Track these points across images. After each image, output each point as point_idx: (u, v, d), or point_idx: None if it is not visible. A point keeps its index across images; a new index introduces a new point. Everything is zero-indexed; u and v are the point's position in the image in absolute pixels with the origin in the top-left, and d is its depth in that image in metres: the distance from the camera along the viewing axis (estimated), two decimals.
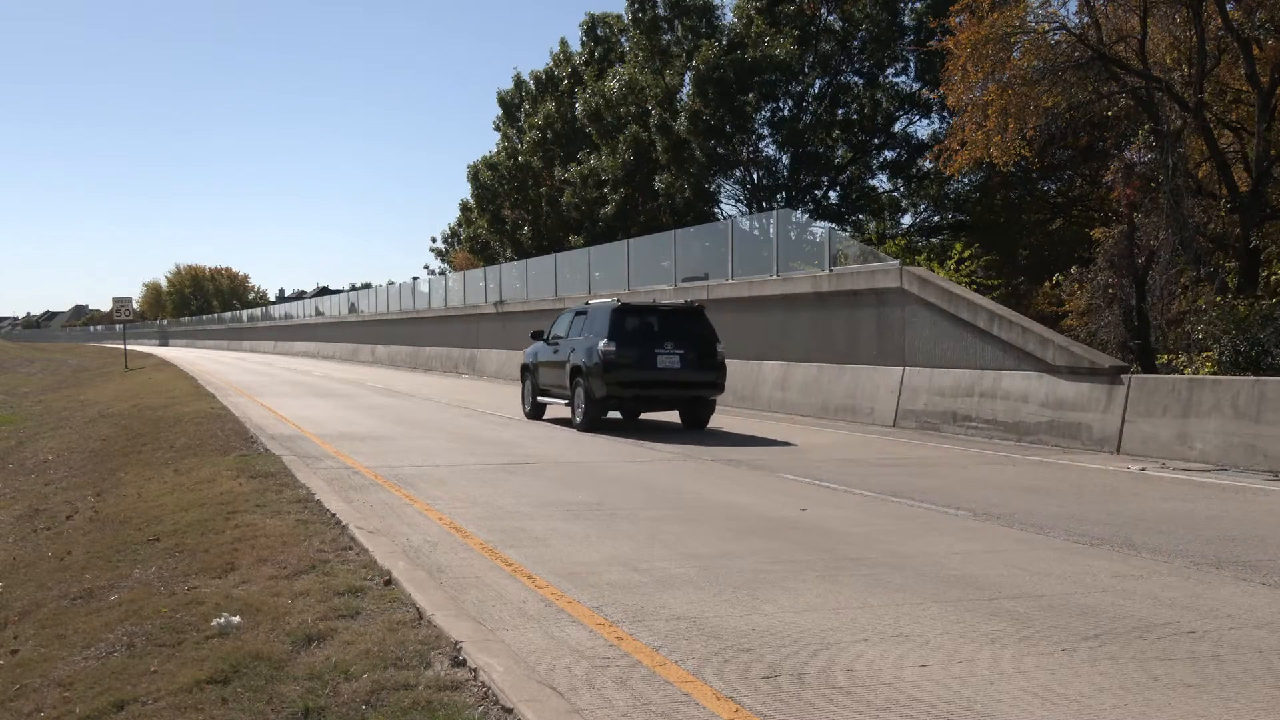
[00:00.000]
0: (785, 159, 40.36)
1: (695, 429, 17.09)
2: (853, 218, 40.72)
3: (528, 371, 19.34)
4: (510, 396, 25.74)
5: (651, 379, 16.42)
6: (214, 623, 5.63)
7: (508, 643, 5.26)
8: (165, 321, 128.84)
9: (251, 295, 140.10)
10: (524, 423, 18.25)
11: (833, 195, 40.94)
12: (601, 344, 16.28)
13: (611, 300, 17.79)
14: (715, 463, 12.83)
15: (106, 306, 73.52)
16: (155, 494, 10.77)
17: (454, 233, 66.09)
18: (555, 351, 18.08)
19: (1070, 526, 8.58)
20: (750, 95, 37.09)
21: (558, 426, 17.36)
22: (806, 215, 37.61)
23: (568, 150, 46.52)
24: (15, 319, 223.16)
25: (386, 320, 52.17)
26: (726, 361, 17.09)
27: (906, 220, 41.07)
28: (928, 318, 17.53)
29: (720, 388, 17.01)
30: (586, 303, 18.64)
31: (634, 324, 16.68)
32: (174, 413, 20.03)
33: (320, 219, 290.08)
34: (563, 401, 17.59)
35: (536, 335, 19.71)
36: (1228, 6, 19.73)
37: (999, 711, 4.37)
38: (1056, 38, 20.81)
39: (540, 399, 18.82)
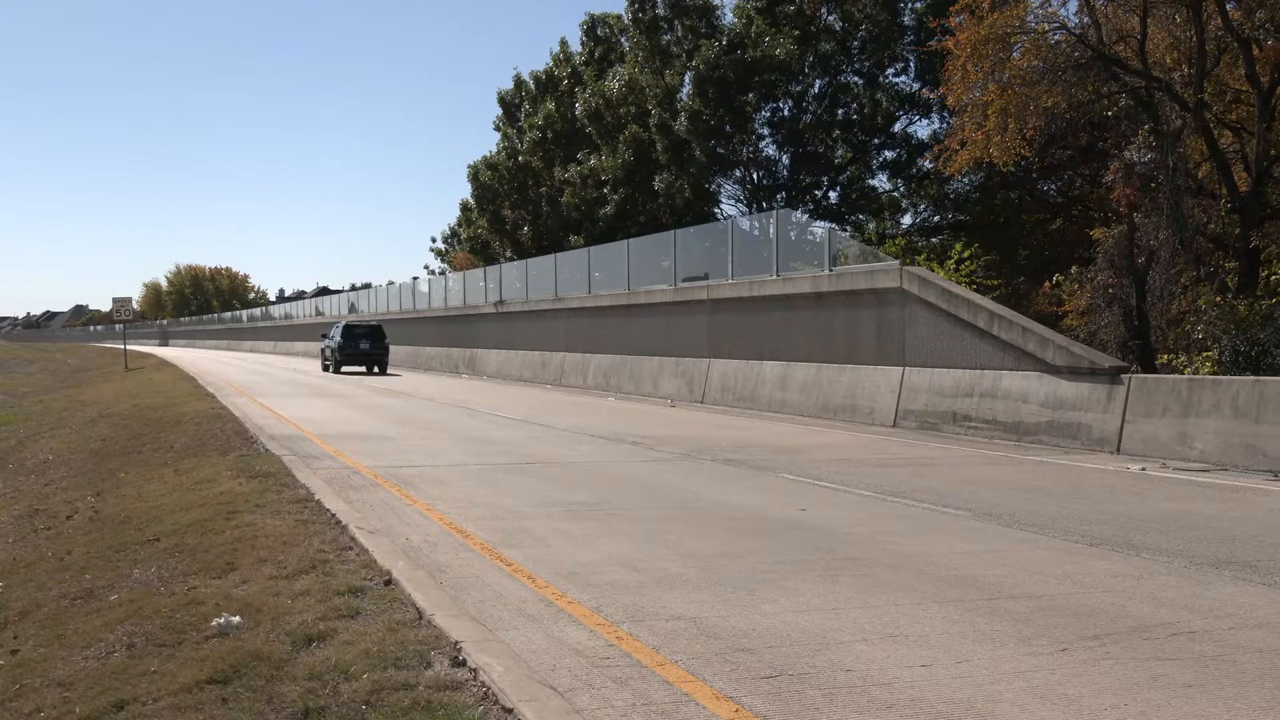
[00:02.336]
0: (785, 159, 40.37)
1: (380, 374, 37.06)
2: (853, 218, 40.73)
3: (322, 352, 41.22)
4: (513, 397, 25.79)
5: (356, 352, 37.72)
6: (214, 623, 5.63)
7: (508, 643, 5.26)
8: (165, 321, 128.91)
9: (251, 295, 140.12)
10: (525, 423, 18.34)
11: (833, 195, 40.95)
12: (338, 339, 37.99)
13: (343, 320, 43.13)
14: (715, 463, 12.83)
15: (106, 306, 73.77)
16: (155, 494, 10.77)
17: (454, 233, 66.09)
18: (328, 341, 39.94)
19: (1070, 526, 8.58)
20: (750, 95, 37.08)
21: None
22: (806, 215, 37.62)
23: (568, 150, 46.52)
24: (15, 319, 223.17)
25: (386, 320, 52.15)
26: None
27: (906, 220, 41.11)
28: (928, 318, 17.53)
29: (386, 356, 38.43)
30: (339, 322, 41.85)
31: (353, 330, 38.22)
32: (174, 413, 20.03)
33: (320, 219, 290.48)
34: (332, 364, 38.65)
35: (324, 335, 41.27)
36: (1228, 6, 19.71)
37: (999, 711, 4.37)
38: (1056, 38, 20.80)
39: (325, 364, 39.87)
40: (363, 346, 37.55)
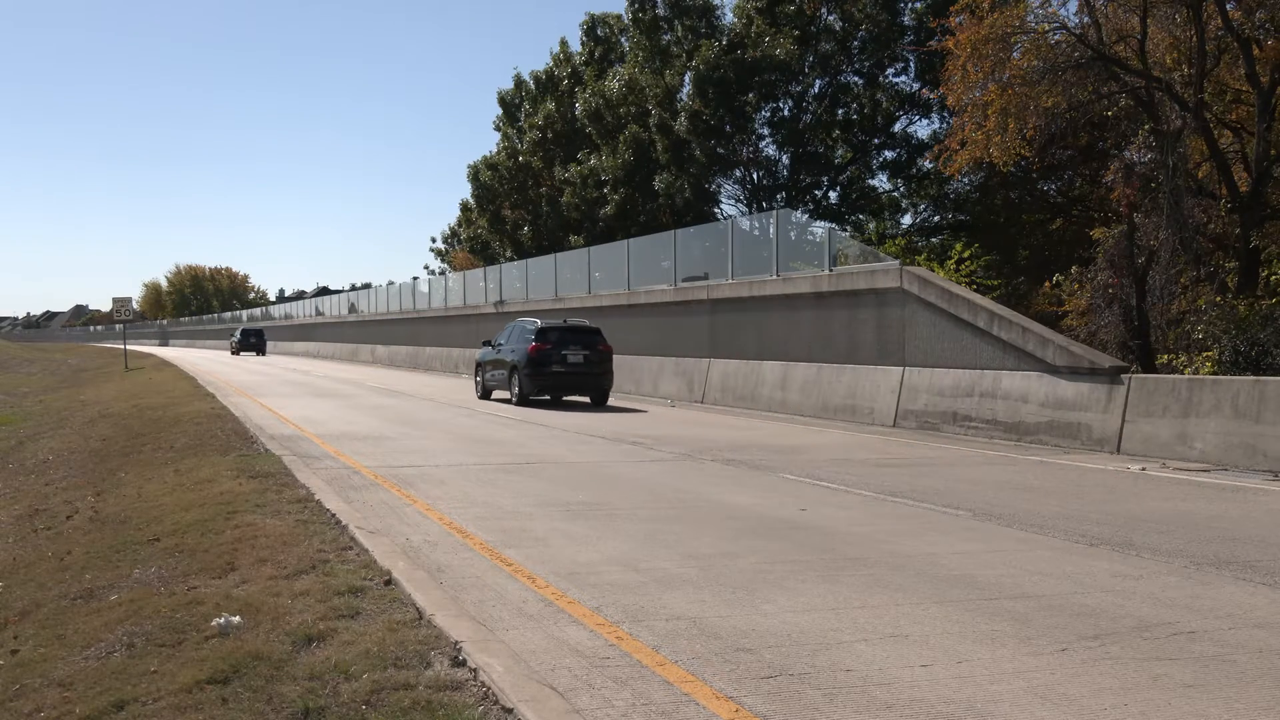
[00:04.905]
0: (785, 159, 40.38)
1: (261, 355, 63.59)
2: (853, 218, 40.74)
3: (230, 345, 68.39)
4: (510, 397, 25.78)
5: (248, 345, 65.66)
6: (214, 623, 5.63)
7: (508, 643, 5.26)
8: (165, 321, 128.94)
9: (251, 295, 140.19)
10: (524, 423, 18.35)
11: (833, 195, 40.96)
12: (237, 337, 67.28)
13: (241, 327, 75.97)
14: (715, 463, 12.83)
15: (106, 306, 74.73)
16: (155, 494, 10.77)
17: (454, 233, 66.14)
18: (233, 338, 68.25)
19: (1070, 526, 8.59)
20: (750, 95, 37.09)
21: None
22: (806, 215, 37.63)
23: (568, 150, 46.52)
24: (15, 319, 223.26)
25: (386, 320, 52.21)
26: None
27: (906, 220, 41.13)
28: (928, 318, 17.54)
29: (265, 346, 66.34)
30: (239, 328, 73.51)
31: (246, 331, 67.90)
32: (174, 413, 20.03)
33: (320, 219, 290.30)
34: (233, 350, 66.11)
35: (231, 334, 72.22)
36: (1228, 6, 19.71)
37: (999, 711, 4.37)
38: (1056, 38, 20.79)
39: (232, 351, 65.74)
40: (251, 340, 65.69)
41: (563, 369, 22.19)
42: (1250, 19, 20.49)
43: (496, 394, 24.58)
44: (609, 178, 41.72)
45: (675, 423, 18.71)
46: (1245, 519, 9.08)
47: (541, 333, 22.32)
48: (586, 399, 23.25)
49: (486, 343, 25.66)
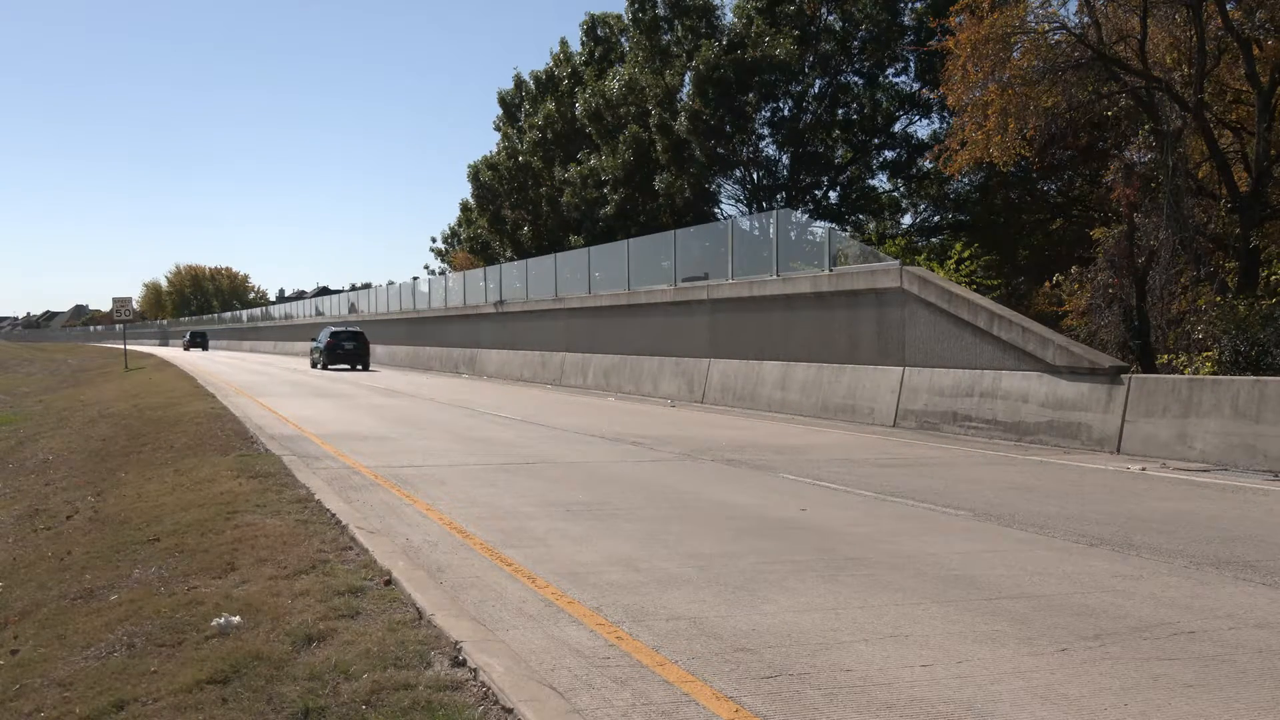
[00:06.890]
0: (785, 159, 40.36)
1: (204, 350, 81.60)
2: (853, 218, 40.71)
3: (184, 343, 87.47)
4: (513, 397, 25.79)
5: (195, 343, 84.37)
6: (214, 623, 5.63)
7: (508, 643, 5.26)
8: (165, 321, 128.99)
9: (251, 295, 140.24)
10: (524, 423, 18.34)
11: (833, 195, 40.94)
12: (188, 337, 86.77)
13: (190, 329, 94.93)
14: (715, 463, 12.83)
15: (106, 306, 74.91)
16: (155, 494, 10.77)
17: (454, 233, 66.11)
18: (186, 339, 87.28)
19: (1070, 526, 8.58)
20: (750, 95, 37.07)
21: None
22: (806, 215, 37.61)
23: (568, 150, 46.50)
24: (15, 319, 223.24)
25: (386, 320, 52.21)
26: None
27: (906, 220, 41.09)
28: (928, 318, 17.53)
29: (208, 343, 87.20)
30: (189, 329, 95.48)
31: (194, 333, 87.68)
32: (174, 413, 20.03)
33: (320, 219, 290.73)
34: (184, 346, 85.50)
35: (184, 335, 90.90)
36: (1228, 6, 19.70)
37: (999, 711, 4.37)
38: (1056, 38, 20.79)
39: (185, 348, 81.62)
40: (197, 340, 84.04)
41: (342, 351, 41.83)
42: (1250, 19, 20.49)
43: (317, 366, 42.13)
44: (609, 178, 41.71)
45: (675, 423, 18.71)
46: (1245, 519, 9.08)
47: (333, 334, 42.44)
48: (360, 367, 41.99)
49: (313, 339, 45.84)
